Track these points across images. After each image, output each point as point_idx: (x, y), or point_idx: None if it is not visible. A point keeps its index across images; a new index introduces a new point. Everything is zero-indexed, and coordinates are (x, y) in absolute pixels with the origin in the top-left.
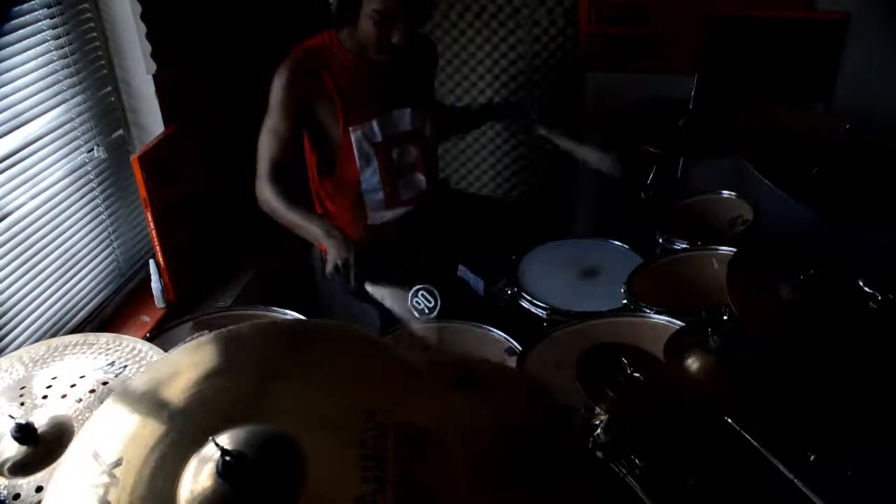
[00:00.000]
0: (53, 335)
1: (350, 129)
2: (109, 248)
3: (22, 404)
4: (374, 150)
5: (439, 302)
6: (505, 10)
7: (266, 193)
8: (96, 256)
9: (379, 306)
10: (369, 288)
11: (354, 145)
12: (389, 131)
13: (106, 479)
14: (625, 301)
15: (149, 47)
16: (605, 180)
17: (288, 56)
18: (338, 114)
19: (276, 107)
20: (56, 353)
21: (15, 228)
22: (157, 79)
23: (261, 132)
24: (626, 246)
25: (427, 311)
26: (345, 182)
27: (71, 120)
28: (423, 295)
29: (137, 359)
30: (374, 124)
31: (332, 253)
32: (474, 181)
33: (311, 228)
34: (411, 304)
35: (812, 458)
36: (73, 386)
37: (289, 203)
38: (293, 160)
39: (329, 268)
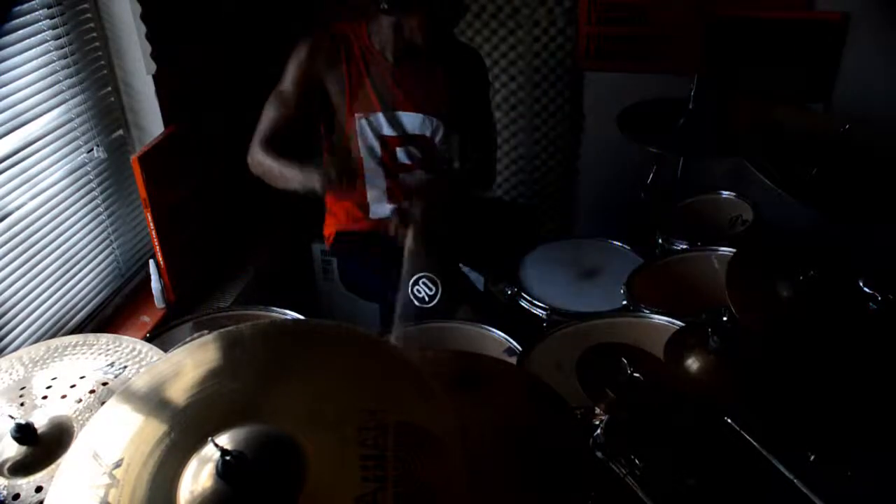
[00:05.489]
0: (53, 335)
1: (355, 114)
2: (109, 248)
3: (22, 405)
4: (381, 143)
5: (440, 290)
6: (505, 10)
7: (259, 156)
8: (96, 256)
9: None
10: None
11: (358, 132)
12: (397, 130)
13: (106, 479)
14: (625, 301)
15: (149, 47)
16: (604, 181)
17: (313, 33)
18: (345, 97)
19: (289, 73)
20: (56, 354)
21: (15, 228)
22: (157, 79)
23: (268, 100)
24: (626, 246)
25: (427, 298)
26: None
27: (71, 120)
28: (424, 283)
29: (137, 359)
30: (381, 116)
31: (324, 174)
32: None
33: (297, 172)
34: (412, 292)
35: (812, 458)
36: (72, 386)
37: (276, 156)
38: (291, 134)
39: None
